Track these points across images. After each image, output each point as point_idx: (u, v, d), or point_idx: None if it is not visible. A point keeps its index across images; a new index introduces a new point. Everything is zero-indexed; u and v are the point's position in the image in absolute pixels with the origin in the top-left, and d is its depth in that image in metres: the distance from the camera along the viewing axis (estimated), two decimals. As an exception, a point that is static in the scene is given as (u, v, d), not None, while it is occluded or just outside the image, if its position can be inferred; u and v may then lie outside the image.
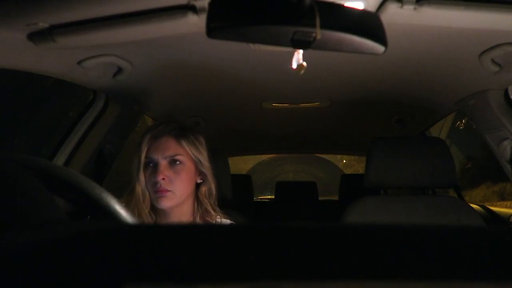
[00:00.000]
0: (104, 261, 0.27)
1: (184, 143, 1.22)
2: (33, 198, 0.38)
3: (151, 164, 1.21)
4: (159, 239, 0.30)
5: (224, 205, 1.33)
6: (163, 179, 1.18)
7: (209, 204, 1.25)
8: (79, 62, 1.32)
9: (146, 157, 1.21)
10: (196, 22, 1.01)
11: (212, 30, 0.54)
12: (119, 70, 1.47)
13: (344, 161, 9.89)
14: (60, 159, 1.60)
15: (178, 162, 1.20)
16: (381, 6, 0.99)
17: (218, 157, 1.45)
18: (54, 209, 0.39)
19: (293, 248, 0.28)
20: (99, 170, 1.70)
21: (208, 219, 1.24)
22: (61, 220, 0.38)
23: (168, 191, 1.18)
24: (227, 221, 1.26)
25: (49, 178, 0.46)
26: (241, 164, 7.00)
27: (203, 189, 1.25)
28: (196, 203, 1.26)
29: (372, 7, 0.99)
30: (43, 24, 1.02)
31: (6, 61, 1.16)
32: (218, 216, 1.25)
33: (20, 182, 0.39)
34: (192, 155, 1.22)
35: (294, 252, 0.28)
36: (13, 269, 0.26)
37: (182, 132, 1.24)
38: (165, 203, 1.18)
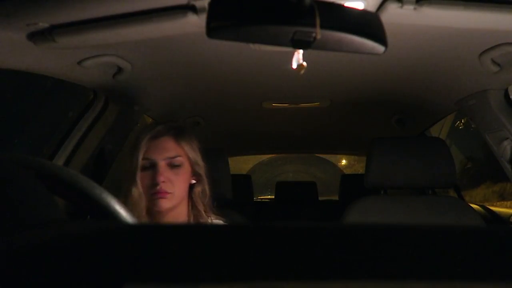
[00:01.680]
0: (104, 261, 0.27)
1: (183, 144, 1.19)
2: (33, 198, 0.38)
3: (148, 166, 1.16)
4: (159, 239, 0.30)
5: (224, 205, 1.32)
6: (164, 181, 1.14)
7: (202, 205, 1.22)
8: (79, 62, 1.31)
9: (143, 158, 1.16)
10: (196, 22, 1.01)
11: (212, 30, 0.54)
12: (119, 70, 1.47)
13: (344, 161, 9.88)
14: (60, 159, 1.60)
15: (177, 164, 1.17)
16: (381, 6, 0.99)
17: (218, 157, 1.45)
18: (54, 209, 0.39)
19: (293, 248, 0.28)
20: (99, 170, 1.70)
21: (202, 220, 1.22)
22: (61, 220, 0.39)
23: (169, 193, 1.14)
24: (219, 222, 1.24)
25: (49, 178, 0.46)
26: (241, 164, 6.99)
27: (197, 190, 1.22)
28: (190, 205, 1.23)
29: (372, 7, 0.99)
30: (43, 24, 1.02)
31: (6, 61, 1.16)
32: (210, 218, 1.23)
33: (20, 182, 0.38)
34: (190, 156, 1.20)
35: (294, 252, 0.28)
36: (13, 269, 0.26)
37: (181, 132, 1.22)
38: (164, 205, 1.14)
